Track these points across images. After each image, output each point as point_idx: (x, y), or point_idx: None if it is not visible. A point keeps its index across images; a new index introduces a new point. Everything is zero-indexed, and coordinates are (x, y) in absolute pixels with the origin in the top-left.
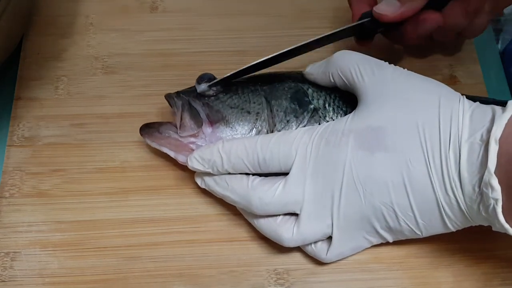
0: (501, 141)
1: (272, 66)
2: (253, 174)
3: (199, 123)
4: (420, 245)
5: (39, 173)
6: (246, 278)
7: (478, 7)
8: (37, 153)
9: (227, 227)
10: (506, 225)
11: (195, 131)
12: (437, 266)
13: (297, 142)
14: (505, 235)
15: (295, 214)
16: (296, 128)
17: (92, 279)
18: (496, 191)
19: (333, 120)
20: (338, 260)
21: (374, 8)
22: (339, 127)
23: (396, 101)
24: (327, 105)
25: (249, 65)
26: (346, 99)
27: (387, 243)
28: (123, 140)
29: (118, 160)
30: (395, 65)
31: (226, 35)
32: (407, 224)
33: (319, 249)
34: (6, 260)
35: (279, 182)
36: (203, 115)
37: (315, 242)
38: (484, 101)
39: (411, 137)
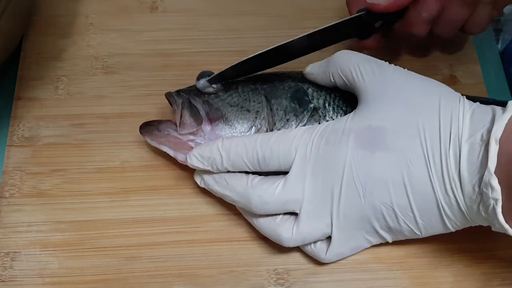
0: (502, 141)
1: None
2: (253, 173)
3: (198, 121)
4: (420, 245)
5: (39, 173)
6: (246, 278)
7: None
8: (37, 153)
9: (227, 227)
10: (506, 225)
11: (195, 129)
12: (437, 266)
13: (297, 141)
14: (505, 235)
15: (295, 214)
16: (296, 127)
17: (92, 279)
18: (496, 191)
19: (333, 119)
20: (338, 260)
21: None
22: (339, 126)
23: (397, 101)
24: (327, 105)
25: (248, 57)
26: (346, 98)
27: (387, 243)
28: (123, 140)
29: (118, 160)
30: (395, 65)
31: (226, 35)
32: (406, 224)
33: (319, 249)
34: (6, 260)
35: (279, 181)
36: (202, 113)
37: (315, 242)
38: (484, 101)
39: (411, 137)
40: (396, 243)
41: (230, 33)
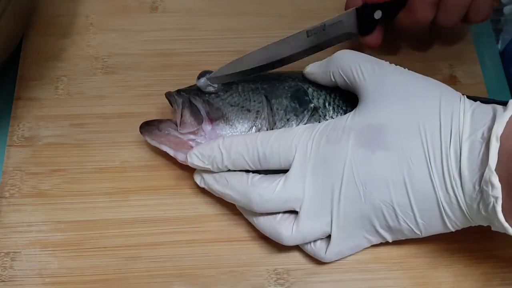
0: (502, 139)
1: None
2: (253, 172)
3: (199, 120)
4: (420, 245)
5: (39, 173)
6: (246, 278)
7: None
8: (37, 153)
9: (227, 227)
10: (506, 224)
11: (195, 128)
12: (437, 266)
13: (298, 139)
14: (505, 235)
15: (295, 212)
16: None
17: (92, 279)
18: (497, 189)
19: (333, 119)
20: (338, 260)
21: None
22: (340, 124)
23: (397, 100)
24: (327, 104)
25: (256, 66)
26: (346, 98)
27: (387, 243)
28: (123, 140)
29: (118, 160)
30: (395, 64)
31: (226, 35)
32: (406, 223)
33: (318, 248)
34: (6, 260)
35: (279, 179)
36: (203, 112)
37: (315, 241)
38: (485, 101)
39: (412, 135)
40: (396, 243)
41: (230, 33)
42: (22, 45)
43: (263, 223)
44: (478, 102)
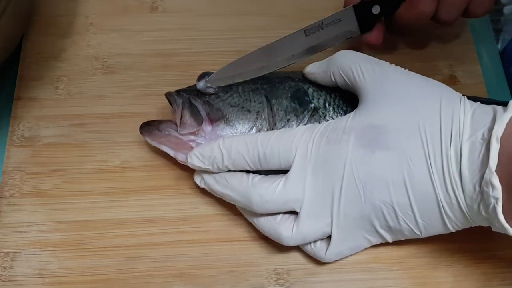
0: (503, 140)
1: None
2: (253, 172)
3: (199, 121)
4: (420, 245)
5: (39, 173)
6: (246, 278)
7: None
8: (37, 153)
9: (227, 227)
10: (506, 225)
11: (195, 129)
12: (437, 266)
13: (298, 140)
14: (505, 235)
15: (295, 213)
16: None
17: (92, 279)
18: (497, 190)
19: (333, 119)
20: (338, 260)
21: None
22: (340, 125)
23: (398, 100)
24: (327, 105)
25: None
26: (346, 98)
27: (387, 243)
28: (123, 140)
29: (118, 160)
30: (395, 64)
31: (226, 35)
32: (406, 223)
33: (318, 248)
34: (6, 260)
35: (280, 179)
36: (203, 113)
37: (315, 241)
38: (485, 101)
39: (412, 136)
40: (396, 243)
41: (230, 33)
42: (22, 45)
43: (263, 223)
44: (478, 103)
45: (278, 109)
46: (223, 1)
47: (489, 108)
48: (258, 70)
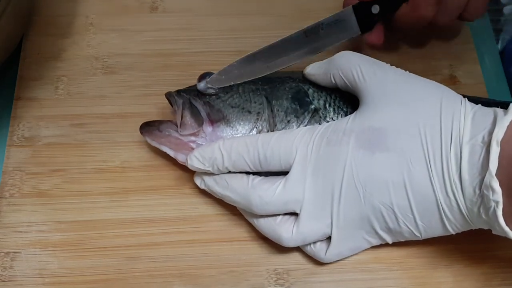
0: (503, 143)
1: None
2: (253, 173)
3: (199, 122)
4: (420, 245)
5: (39, 173)
6: (246, 278)
7: None
8: (37, 153)
9: (227, 227)
10: (506, 228)
11: (196, 130)
12: (437, 266)
13: (298, 141)
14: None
15: (295, 214)
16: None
17: (92, 279)
18: (497, 194)
19: (334, 120)
20: (338, 260)
21: None
22: (340, 126)
23: (398, 102)
24: (327, 106)
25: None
26: (347, 99)
27: (387, 243)
28: (123, 140)
29: (118, 160)
30: (395, 65)
31: (226, 35)
32: (406, 225)
33: (318, 249)
34: (6, 260)
35: (280, 181)
36: (203, 114)
37: (314, 242)
38: (485, 101)
39: (412, 138)
40: (396, 243)
41: (230, 33)
42: (22, 45)
43: (263, 224)
44: (479, 105)
45: (278, 110)
46: (223, 1)
47: (489, 111)
48: (258, 71)
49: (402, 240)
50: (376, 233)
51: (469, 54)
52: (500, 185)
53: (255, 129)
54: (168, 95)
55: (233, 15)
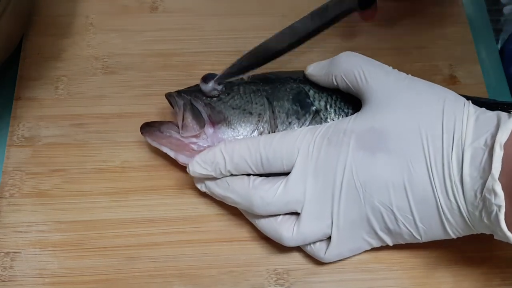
0: (506, 147)
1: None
2: (254, 175)
3: (201, 124)
4: (420, 246)
5: (39, 173)
6: (246, 278)
7: None
8: (37, 153)
9: (227, 227)
10: (508, 233)
11: (197, 132)
12: (437, 266)
13: (300, 141)
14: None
15: (296, 214)
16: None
17: (92, 279)
18: (499, 198)
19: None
20: (338, 260)
21: None
22: (341, 127)
23: (400, 104)
24: (328, 107)
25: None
26: (348, 100)
27: (387, 245)
28: (123, 140)
29: (118, 160)
30: (396, 65)
31: (226, 35)
32: (406, 227)
33: (318, 249)
34: (6, 260)
35: (281, 181)
36: (205, 115)
37: (314, 242)
38: (485, 102)
39: (414, 140)
40: (396, 244)
41: (230, 33)
42: (22, 45)
43: (264, 224)
44: (483, 109)
45: (279, 112)
46: (223, 1)
47: (493, 114)
48: (267, 58)
49: (403, 242)
50: (376, 234)
51: (469, 54)
52: (503, 188)
53: (256, 130)
54: (168, 96)
55: (233, 15)
